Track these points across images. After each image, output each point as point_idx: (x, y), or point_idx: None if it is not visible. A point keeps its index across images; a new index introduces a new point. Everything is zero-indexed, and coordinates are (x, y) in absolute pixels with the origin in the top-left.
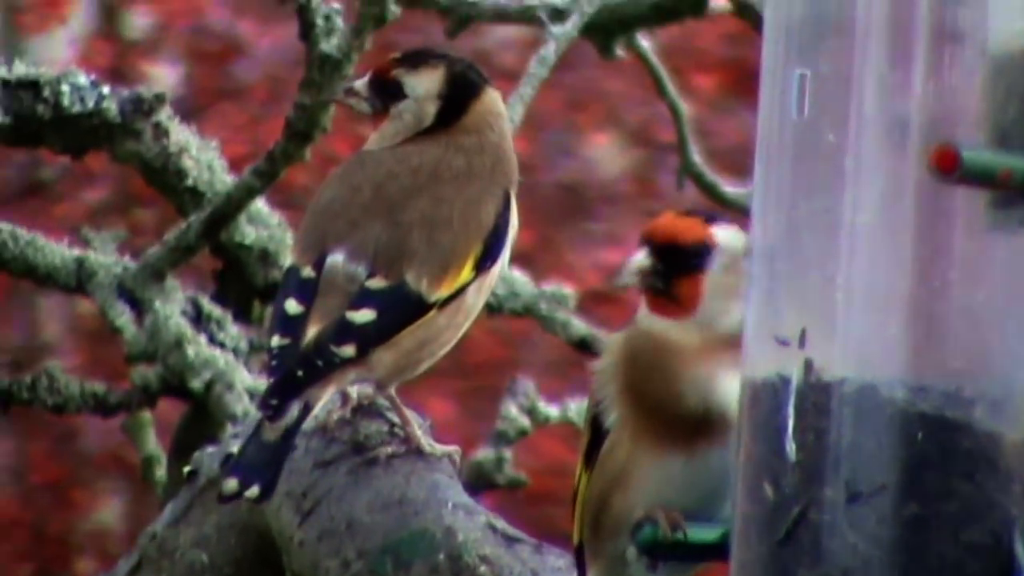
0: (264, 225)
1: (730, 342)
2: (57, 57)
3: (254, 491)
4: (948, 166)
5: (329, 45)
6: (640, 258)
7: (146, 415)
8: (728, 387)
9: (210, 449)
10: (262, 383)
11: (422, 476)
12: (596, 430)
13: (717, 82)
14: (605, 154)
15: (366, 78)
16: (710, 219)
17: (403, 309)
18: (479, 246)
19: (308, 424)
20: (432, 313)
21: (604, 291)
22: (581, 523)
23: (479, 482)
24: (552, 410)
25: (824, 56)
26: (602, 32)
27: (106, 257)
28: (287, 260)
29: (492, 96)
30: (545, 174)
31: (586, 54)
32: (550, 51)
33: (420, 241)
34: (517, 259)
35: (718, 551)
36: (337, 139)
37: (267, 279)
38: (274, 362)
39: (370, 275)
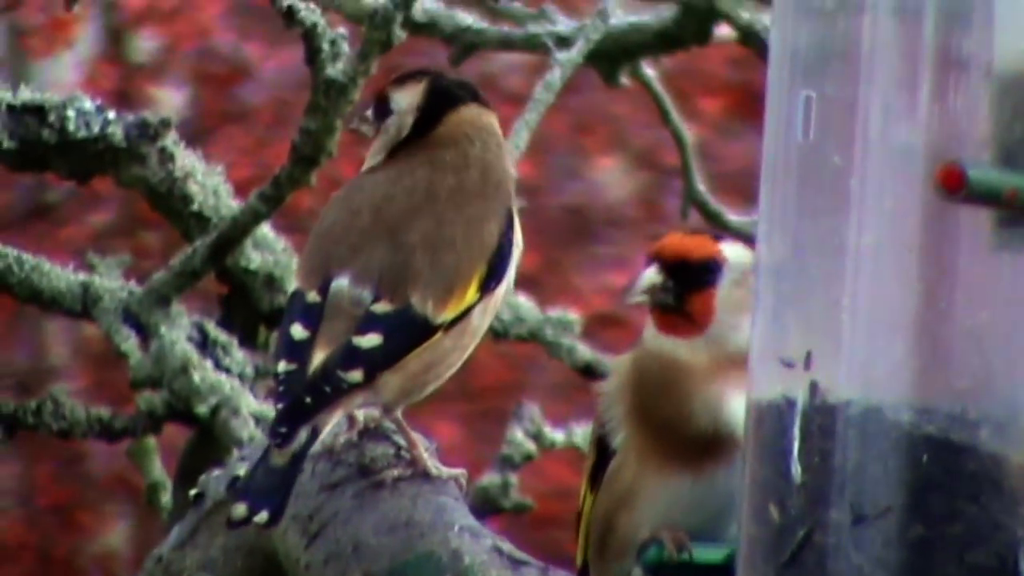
0: (270, 250)
1: (739, 360)
2: (63, 80)
3: (263, 516)
4: (954, 185)
5: (335, 70)
6: (650, 274)
7: (151, 441)
8: (737, 407)
9: (216, 472)
10: (268, 408)
11: (428, 499)
12: (602, 451)
13: (723, 105)
14: (611, 177)
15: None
16: (717, 237)
17: (409, 333)
18: (483, 267)
19: (315, 448)
20: (438, 336)
21: (610, 314)
22: (585, 544)
23: (485, 507)
24: (558, 435)
25: (830, 79)
26: (607, 60)
27: (111, 282)
28: (292, 285)
29: (473, 110)
30: (551, 197)
31: (592, 78)
32: (555, 77)
33: (424, 263)
34: (523, 282)
35: (723, 572)
36: (343, 163)
37: (272, 304)
38: (281, 388)
39: (375, 299)
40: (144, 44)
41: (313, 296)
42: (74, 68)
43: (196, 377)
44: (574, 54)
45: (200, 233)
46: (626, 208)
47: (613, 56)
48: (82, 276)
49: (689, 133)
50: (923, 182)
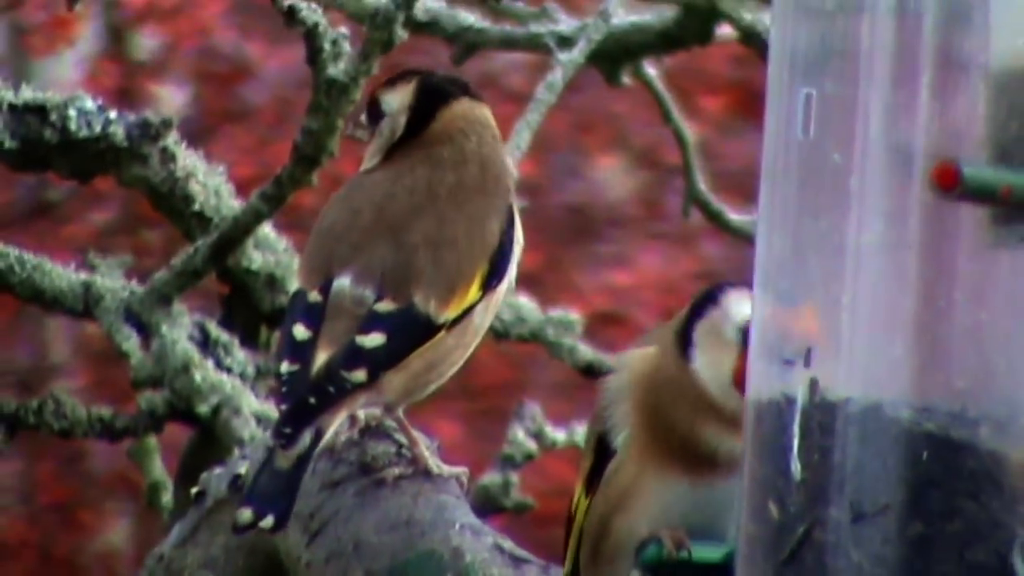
0: (271, 250)
1: None
2: (64, 78)
3: (269, 521)
4: (949, 183)
5: (336, 70)
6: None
7: (152, 441)
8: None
9: (217, 470)
10: (269, 408)
11: (429, 497)
12: (600, 452)
13: (724, 104)
14: (612, 176)
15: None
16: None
17: (412, 332)
18: (485, 265)
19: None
20: (441, 334)
21: (611, 313)
22: (575, 550)
23: (486, 505)
24: (559, 434)
25: (829, 77)
26: (608, 60)
27: (113, 281)
28: (293, 285)
29: (466, 104)
30: (552, 196)
31: (593, 76)
32: (557, 77)
33: (426, 262)
34: (524, 281)
35: (723, 571)
36: (344, 162)
37: (274, 304)
38: (284, 388)
39: (378, 298)
40: (145, 42)
41: (315, 296)
42: (75, 66)
43: (197, 376)
44: (576, 54)
45: (201, 233)
46: (627, 207)
47: (615, 56)
48: (83, 276)
49: (690, 132)
50: (922, 180)
